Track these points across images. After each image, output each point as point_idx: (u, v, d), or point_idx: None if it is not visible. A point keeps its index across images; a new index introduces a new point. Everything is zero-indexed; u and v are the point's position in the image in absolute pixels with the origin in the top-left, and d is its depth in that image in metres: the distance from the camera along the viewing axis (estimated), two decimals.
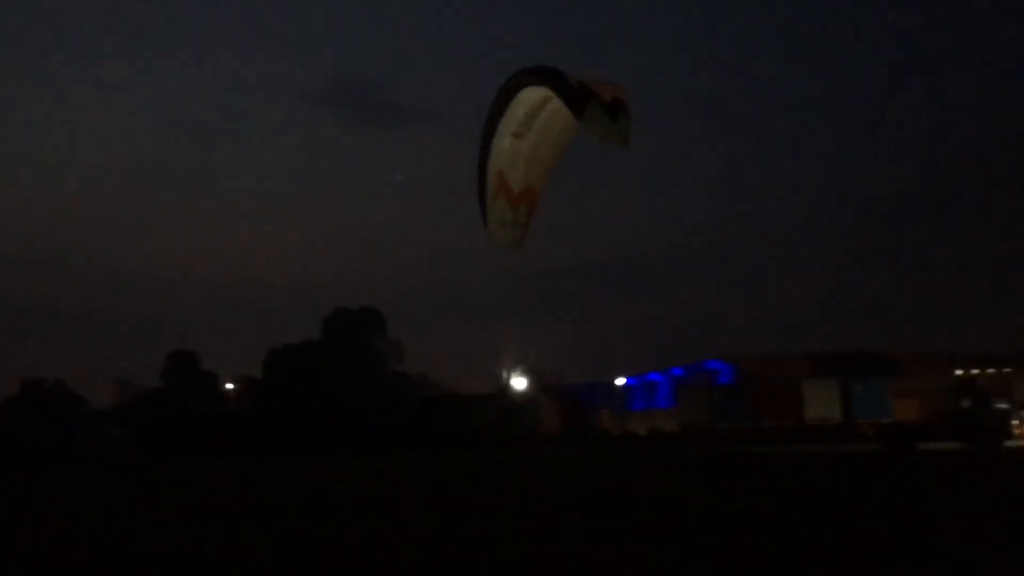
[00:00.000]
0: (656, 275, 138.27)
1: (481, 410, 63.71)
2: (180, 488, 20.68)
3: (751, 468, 22.01)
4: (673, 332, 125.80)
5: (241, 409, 68.08)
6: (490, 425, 60.90)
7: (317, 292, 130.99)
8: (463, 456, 42.11)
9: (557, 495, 14.68)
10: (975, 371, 51.66)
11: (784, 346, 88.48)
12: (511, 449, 51.18)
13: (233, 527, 10.93)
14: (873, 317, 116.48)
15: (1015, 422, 35.97)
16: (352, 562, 7.64)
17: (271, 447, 55.81)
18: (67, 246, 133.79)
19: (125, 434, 58.89)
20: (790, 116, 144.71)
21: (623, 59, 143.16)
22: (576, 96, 6.97)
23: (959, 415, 33.74)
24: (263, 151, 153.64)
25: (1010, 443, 32.33)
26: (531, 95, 7.84)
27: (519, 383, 67.30)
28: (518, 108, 8.04)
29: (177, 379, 66.96)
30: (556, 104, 7.30)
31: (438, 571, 7.11)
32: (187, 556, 8.25)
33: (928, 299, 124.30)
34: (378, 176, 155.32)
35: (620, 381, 73.74)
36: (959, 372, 50.91)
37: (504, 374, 67.36)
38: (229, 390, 71.50)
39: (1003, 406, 34.13)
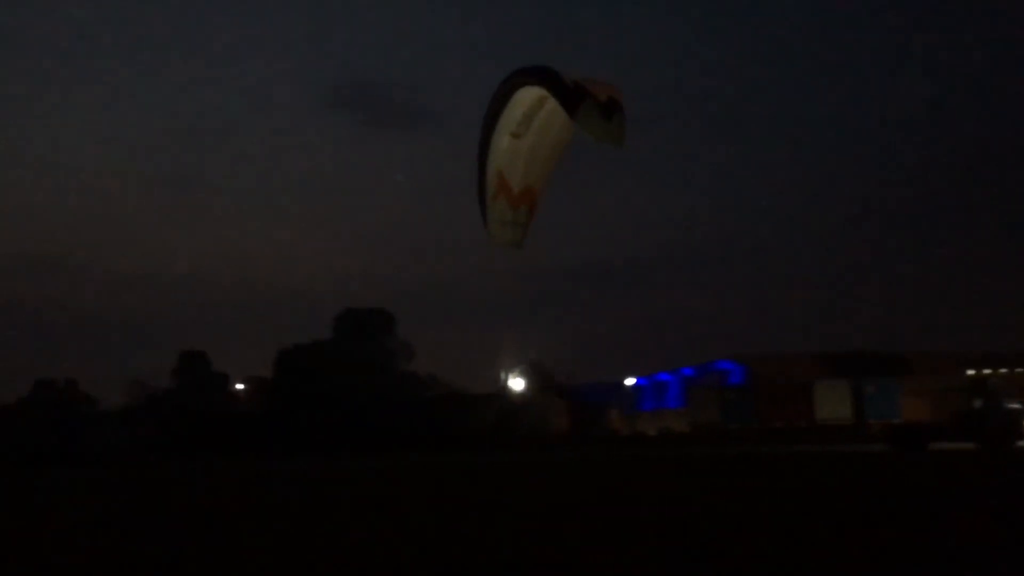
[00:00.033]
0: (666, 275, 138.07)
1: (489, 410, 63.84)
2: (187, 488, 20.77)
3: (759, 468, 21.94)
4: (683, 332, 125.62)
5: (251, 409, 68.35)
6: (489, 425, 60.96)
7: (327, 293, 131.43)
8: (471, 456, 42.16)
9: (555, 496, 14.67)
10: (987, 371, 51.35)
11: (795, 346, 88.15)
12: (520, 449, 51.17)
13: (238, 528, 10.97)
14: (884, 317, 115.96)
15: None
16: (356, 563, 7.66)
17: (281, 447, 56.00)
18: (78, 248, 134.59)
19: (136, 434, 59.23)
20: (796, 115, 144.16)
21: (632, 61, 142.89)
22: (570, 96, 6.97)
23: (970, 415, 33.51)
24: (273, 152, 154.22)
25: (1022, 444, 32.09)
26: (528, 95, 7.84)
27: (517, 384, 67.38)
28: (515, 108, 8.05)
29: (188, 379, 67.34)
30: (553, 104, 7.31)
31: (439, 571, 7.12)
32: (188, 557, 8.29)
33: (939, 299, 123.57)
34: (386, 176, 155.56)
35: (630, 381, 73.65)
36: (971, 372, 50.62)
37: (502, 375, 67.51)
38: (239, 390, 71.80)
39: (1015, 406, 33.84)
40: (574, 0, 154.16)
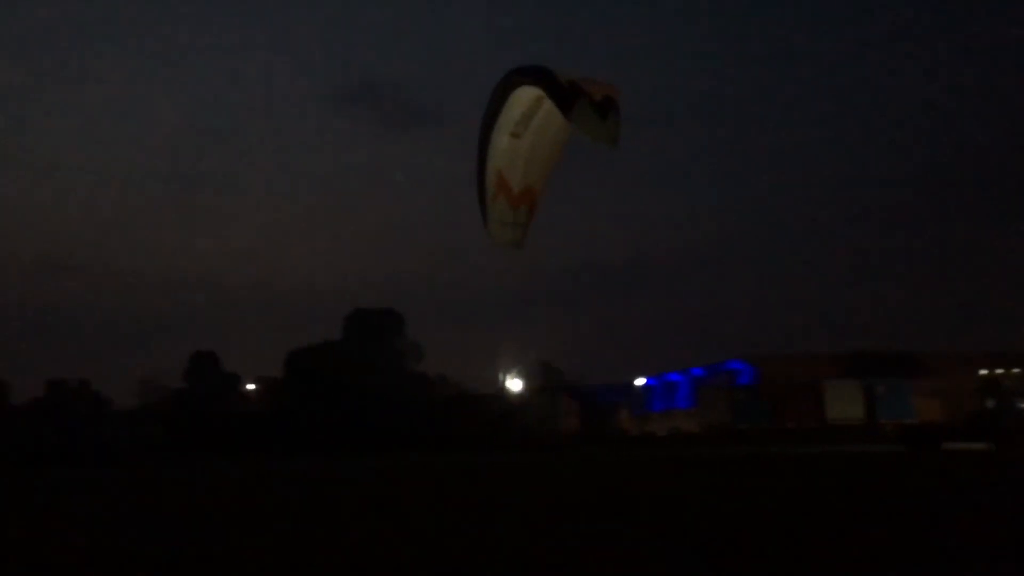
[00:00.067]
0: (676, 275, 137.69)
1: (490, 410, 63.88)
2: (192, 488, 20.82)
3: (771, 468, 21.80)
4: (693, 332, 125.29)
5: (262, 409, 68.55)
6: (488, 426, 60.94)
7: (337, 293, 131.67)
8: (473, 456, 42.11)
9: (549, 498, 14.61)
10: (999, 371, 50.92)
11: (805, 346, 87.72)
12: (526, 450, 51.10)
13: (239, 528, 10.97)
14: (895, 317, 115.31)
15: None
16: (356, 563, 7.64)
17: (292, 447, 56.12)
18: (90, 250, 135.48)
19: (148, 434, 59.49)
20: (804, 116, 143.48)
21: (638, 62, 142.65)
22: (565, 95, 6.91)
23: (983, 415, 33.24)
24: (284, 153, 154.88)
25: None
26: (525, 94, 7.79)
27: (515, 384, 67.40)
28: (514, 108, 7.99)
29: (199, 380, 67.63)
30: (551, 104, 7.25)
31: (439, 571, 7.10)
32: (188, 557, 8.29)
33: (951, 298, 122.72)
34: (397, 176, 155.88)
35: (640, 381, 73.48)
36: (983, 372, 50.23)
37: (500, 376, 67.52)
38: (250, 391, 72.03)
39: None
40: (582, 2, 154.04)
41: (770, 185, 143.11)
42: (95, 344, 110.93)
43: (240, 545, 9.06)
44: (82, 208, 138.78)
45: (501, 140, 8.26)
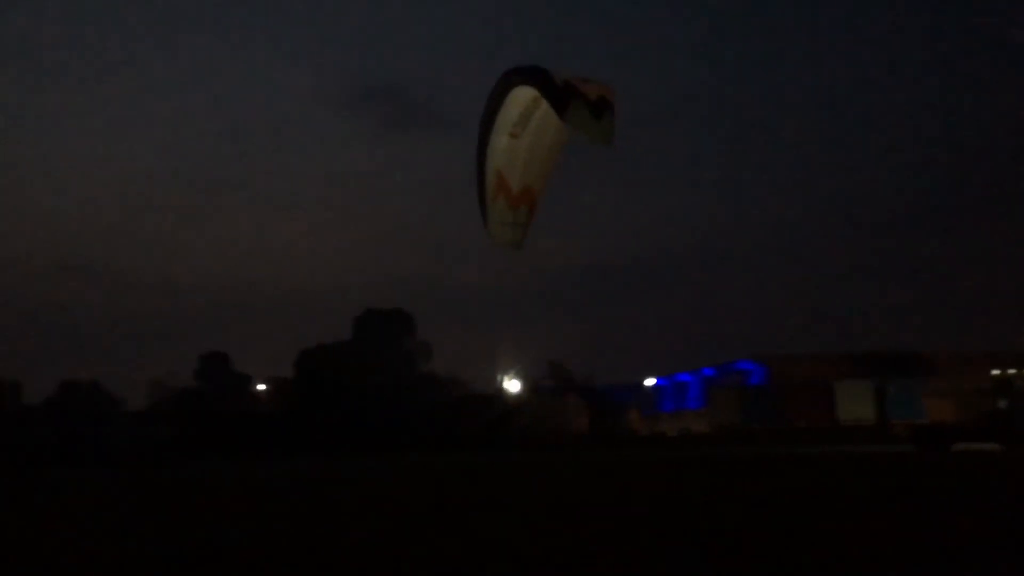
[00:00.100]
0: (687, 275, 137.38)
1: (490, 411, 63.95)
2: (199, 489, 20.91)
3: (776, 469, 21.70)
4: (703, 332, 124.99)
5: (272, 410, 68.78)
6: (489, 426, 60.98)
7: (348, 293, 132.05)
8: (475, 456, 42.11)
9: (545, 499, 14.58)
10: (1012, 371, 50.52)
11: (816, 346, 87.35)
12: (533, 450, 51.06)
13: (244, 529, 11.00)
14: (907, 316, 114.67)
15: None
16: (356, 563, 7.64)
17: (302, 447, 56.26)
18: (102, 252, 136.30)
19: (159, 435, 59.78)
20: (814, 115, 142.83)
21: (649, 63, 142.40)
22: (560, 95, 6.90)
23: (995, 416, 32.96)
24: (293, 154, 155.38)
25: None
26: (523, 95, 7.78)
27: (513, 386, 67.47)
28: (511, 108, 7.99)
29: (210, 380, 67.93)
30: (548, 104, 7.24)
31: (439, 571, 7.09)
32: (188, 558, 8.31)
33: (963, 297, 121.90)
34: (407, 178, 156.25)
35: (650, 382, 73.31)
36: (995, 372, 49.85)
37: (499, 377, 67.58)
38: (261, 391, 72.29)
39: None
40: (588, 4, 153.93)
41: (780, 183, 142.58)
42: (107, 345, 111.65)
43: (241, 545, 9.08)
44: (94, 210, 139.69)
45: (500, 140, 8.25)
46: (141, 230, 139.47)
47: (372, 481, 22.41)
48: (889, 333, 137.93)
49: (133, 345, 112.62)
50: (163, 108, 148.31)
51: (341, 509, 13.53)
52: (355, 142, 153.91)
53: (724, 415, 58.35)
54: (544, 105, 7.54)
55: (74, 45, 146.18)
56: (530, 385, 67.95)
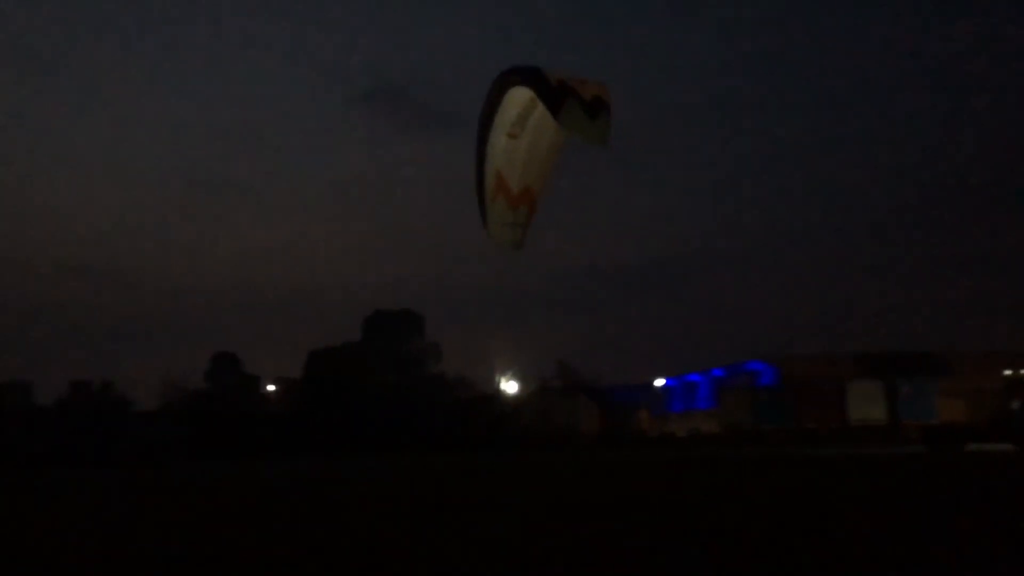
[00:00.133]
0: (696, 276, 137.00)
1: (518, 411, 63.86)
2: (207, 490, 20.92)
3: (781, 469, 21.53)
4: (713, 332, 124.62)
5: (282, 410, 68.97)
6: (488, 427, 60.96)
7: (357, 294, 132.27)
8: (495, 456, 42.05)
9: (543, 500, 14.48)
10: None
11: (827, 346, 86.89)
12: (540, 451, 50.98)
13: (246, 529, 10.96)
14: (918, 316, 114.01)
15: None
16: (361, 563, 7.58)
17: (312, 447, 56.39)
18: (112, 253, 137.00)
19: (169, 435, 60.02)
20: (825, 115, 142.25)
21: (664, 63, 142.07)
22: (554, 95, 6.82)
23: (1008, 416, 32.65)
24: (302, 155, 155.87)
25: None
26: (520, 95, 7.70)
27: (511, 387, 67.41)
28: (509, 108, 7.91)
29: (220, 381, 68.16)
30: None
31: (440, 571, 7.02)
32: (192, 558, 8.27)
33: (975, 297, 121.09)
34: (418, 178, 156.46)
35: (659, 382, 73.07)
36: (1008, 372, 49.40)
37: (496, 378, 67.54)
38: (270, 391, 72.50)
39: None
40: (603, 5, 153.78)
41: (790, 184, 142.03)
42: (117, 346, 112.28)
43: (242, 546, 9.04)
44: (105, 211, 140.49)
45: (498, 141, 8.19)
46: (151, 231, 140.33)
47: (372, 481, 22.38)
48: (901, 333, 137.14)
49: (144, 346, 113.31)
50: (172, 112, 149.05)
51: (344, 509, 13.49)
52: (365, 142, 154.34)
53: (734, 416, 58.10)
54: (542, 105, 7.46)
55: (80, 48, 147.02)
56: (539, 385, 67.91)
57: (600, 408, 67.57)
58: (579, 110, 6.72)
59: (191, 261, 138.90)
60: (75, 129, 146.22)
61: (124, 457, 52.30)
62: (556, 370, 70.18)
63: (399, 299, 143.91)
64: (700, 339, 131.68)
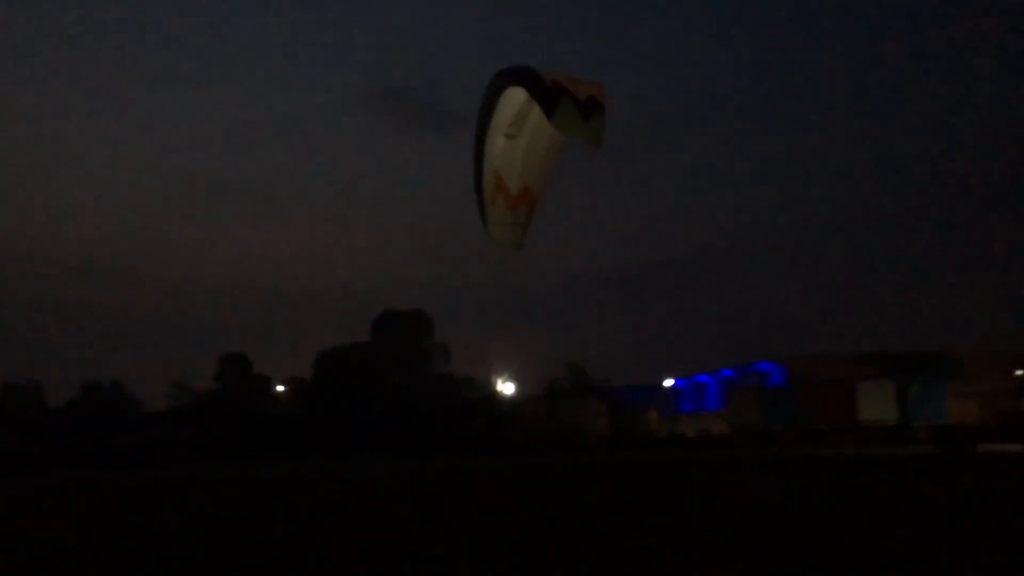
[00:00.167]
0: (705, 275, 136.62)
1: (527, 412, 63.75)
2: (215, 491, 20.96)
3: (785, 469, 21.43)
4: (722, 332, 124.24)
5: (292, 411, 69.08)
6: (487, 428, 60.84)
7: (366, 295, 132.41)
8: (500, 458, 42.00)
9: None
10: None
11: (837, 346, 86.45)
12: (546, 452, 50.87)
13: (246, 530, 10.97)
14: (929, 316, 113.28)
15: None
16: (356, 565, 7.57)
17: (321, 448, 56.46)
18: (122, 253, 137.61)
19: (179, 436, 60.18)
20: (834, 115, 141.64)
21: (673, 65, 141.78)
22: (548, 96, 6.78)
23: (1019, 416, 32.45)
24: (311, 156, 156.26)
25: None
26: (516, 95, 7.67)
27: (508, 388, 67.32)
28: (506, 108, 7.88)
29: (230, 382, 68.30)
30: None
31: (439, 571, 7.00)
32: (194, 558, 8.28)
33: (986, 297, 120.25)
34: (424, 179, 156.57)
35: (668, 382, 72.88)
36: (1019, 372, 49.01)
37: (494, 379, 67.39)
38: (280, 392, 72.62)
39: None
40: (609, 5, 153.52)
41: (798, 184, 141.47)
42: (127, 347, 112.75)
43: (248, 546, 9.05)
44: (114, 212, 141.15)
45: (496, 141, 8.16)
46: (162, 233, 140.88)
47: (371, 481, 22.39)
48: (911, 333, 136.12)
49: (154, 347, 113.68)
50: (179, 114, 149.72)
51: (349, 509, 13.48)
52: (372, 144, 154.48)
53: (744, 416, 57.83)
54: (537, 105, 7.42)
55: (87, 49, 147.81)
56: (548, 386, 67.81)
57: (609, 408, 67.39)
58: (573, 110, 6.67)
59: (200, 262, 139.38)
60: (84, 131, 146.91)
61: (135, 458, 52.47)
62: (565, 370, 70.09)
63: (406, 299, 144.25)
64: (709, 339, 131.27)
